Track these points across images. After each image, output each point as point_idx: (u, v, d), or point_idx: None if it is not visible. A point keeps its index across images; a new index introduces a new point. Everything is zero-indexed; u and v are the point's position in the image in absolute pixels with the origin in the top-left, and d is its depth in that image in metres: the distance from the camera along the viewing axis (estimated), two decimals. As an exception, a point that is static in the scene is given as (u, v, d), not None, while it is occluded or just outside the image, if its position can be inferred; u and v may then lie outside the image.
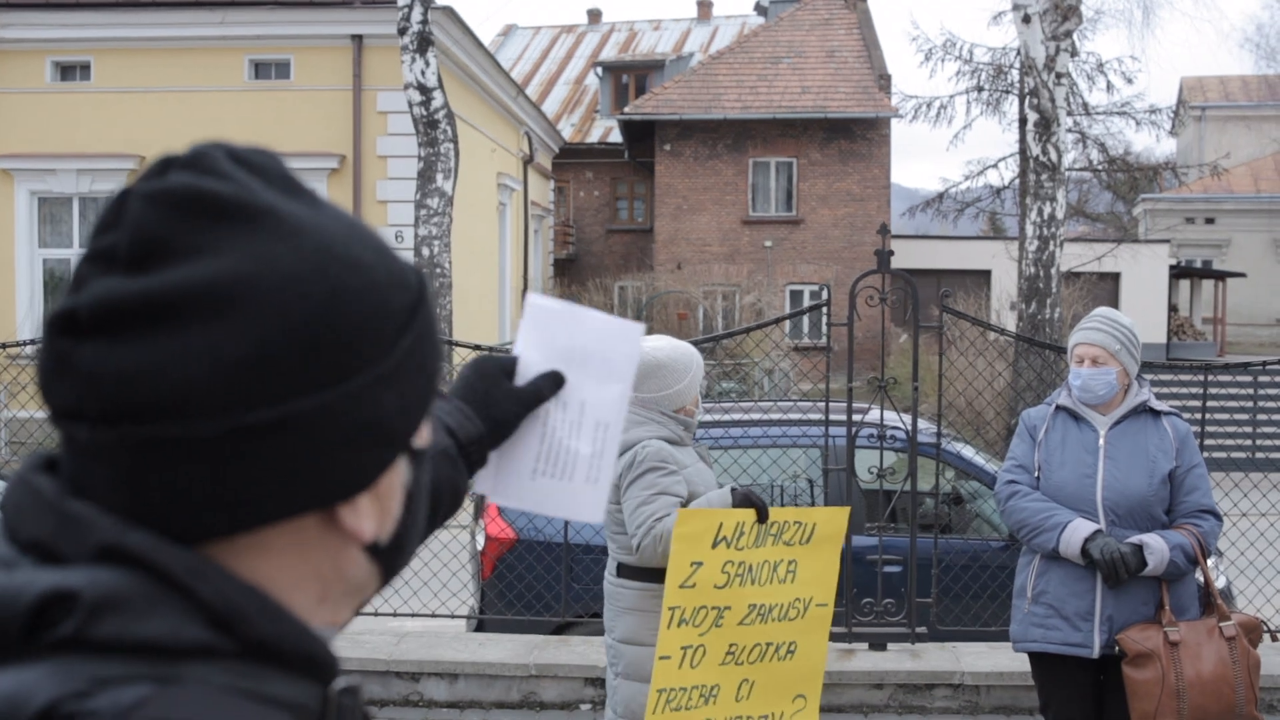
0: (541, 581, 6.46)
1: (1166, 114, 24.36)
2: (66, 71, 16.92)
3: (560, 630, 6.49)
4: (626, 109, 27.62)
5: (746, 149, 26.61)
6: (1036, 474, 4.16)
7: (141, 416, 0.72)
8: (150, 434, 0.72)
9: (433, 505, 1.23)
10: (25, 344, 7.64)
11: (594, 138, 31.98)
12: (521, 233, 25.32)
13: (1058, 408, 4.18)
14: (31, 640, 0.70)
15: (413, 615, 6.81)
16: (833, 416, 6.39)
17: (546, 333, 1.32)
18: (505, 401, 1.28)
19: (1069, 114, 19.40)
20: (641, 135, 27.72)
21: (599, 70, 33.56)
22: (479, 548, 6.57)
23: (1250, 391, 12.51)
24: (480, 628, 6.69)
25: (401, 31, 13.05)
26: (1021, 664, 5.21)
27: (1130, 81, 24.99)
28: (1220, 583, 5.66)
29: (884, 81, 26.61)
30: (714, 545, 3.39)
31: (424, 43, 13.01)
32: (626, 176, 31.42)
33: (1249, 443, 12.09)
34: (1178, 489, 4.04)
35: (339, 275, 0.76)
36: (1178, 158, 40.05)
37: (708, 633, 3.41)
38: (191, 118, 15.97)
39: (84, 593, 0.70)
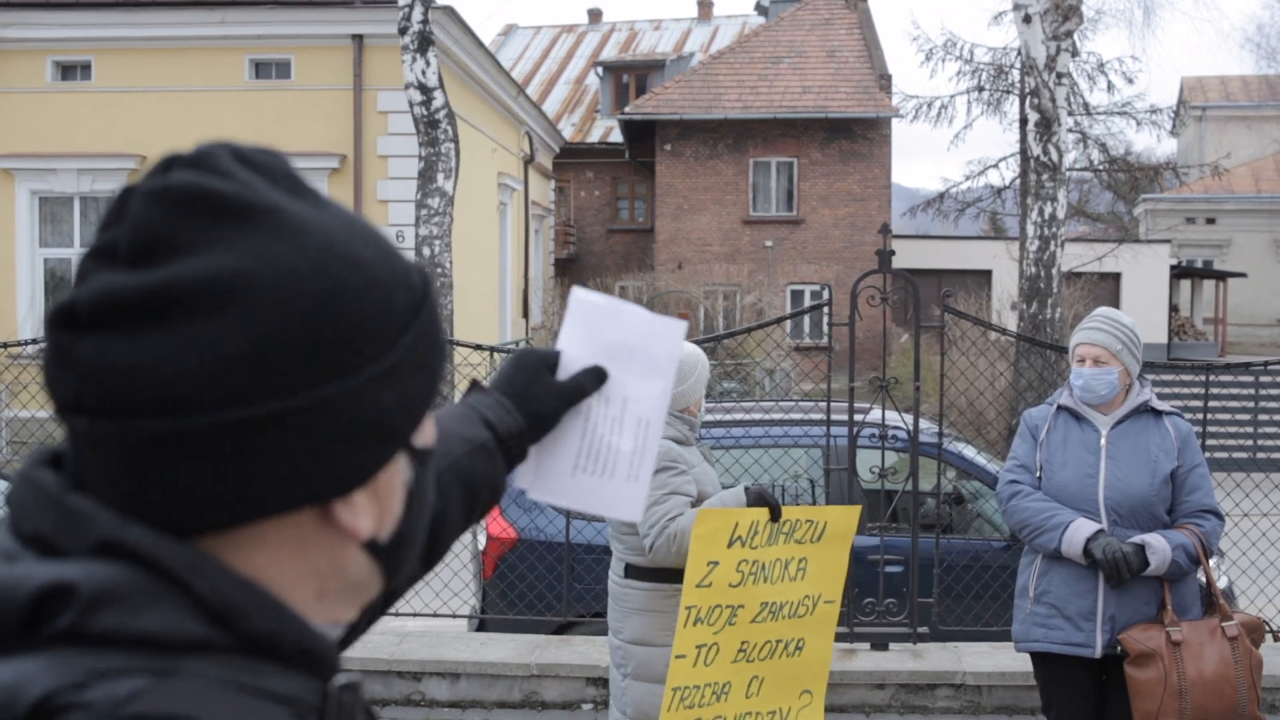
0: (543, 581, 6.46)
1: (1167, 114, 24.34)
2: (67, 71, 16.92)
3: (562, 630, 6.49)
4: (627, 109, 27.62)
5: (747, 149, 26.62)
6: (1038, 474, 4.16)
7: (139, 410, 0.72)
8: (147, 427, 0.72)
9: (470, 499, 1.24)
10: (26, 343, 7.63)
11: (595, 137, 31.98)
12: (522, 232, 25.32)
13: (1059, 408, 4.18)
14: (31, 632, 0.71)
15: (414, 615, 6.81)
16: (834, 416, 6.38)
17: (590, 328, 1.31)
18: (546, 396, 1.27)
19: (1070, 114, 19.41)
20: (642, 135, 27.73)
21: (599, 70, 33.56)
22: (480, 547, 6.57)
23: (1251, 392, 12.50)
24: (482, 627, 6.69)
25: (402, 31, 13.04)
26: (1023, 664, 5.20)
27: (1131, 81, 24.95)
28: (1222, 583, 5.66)
29: (885, 81, 26.61)
30: (729, 545, 3.41)
31: (425, 42, 13.00)
32: (627, 176, 31.42)
33: (1250, 443, 12.08)
34: (1179, 489, 4.04)
35: (340, 273, 0.77)
36: (1178, 158, 40.05)
37: (721, 631, 3.43)
38: (192, 117, 15.98)
39: (81, 586, 0.71)
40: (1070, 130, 21.11)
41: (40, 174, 16.62)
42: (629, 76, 32.96)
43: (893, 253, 6.42)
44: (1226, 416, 11.09)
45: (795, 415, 7.04)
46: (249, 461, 0.74)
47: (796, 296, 26.44)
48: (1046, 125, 12.97)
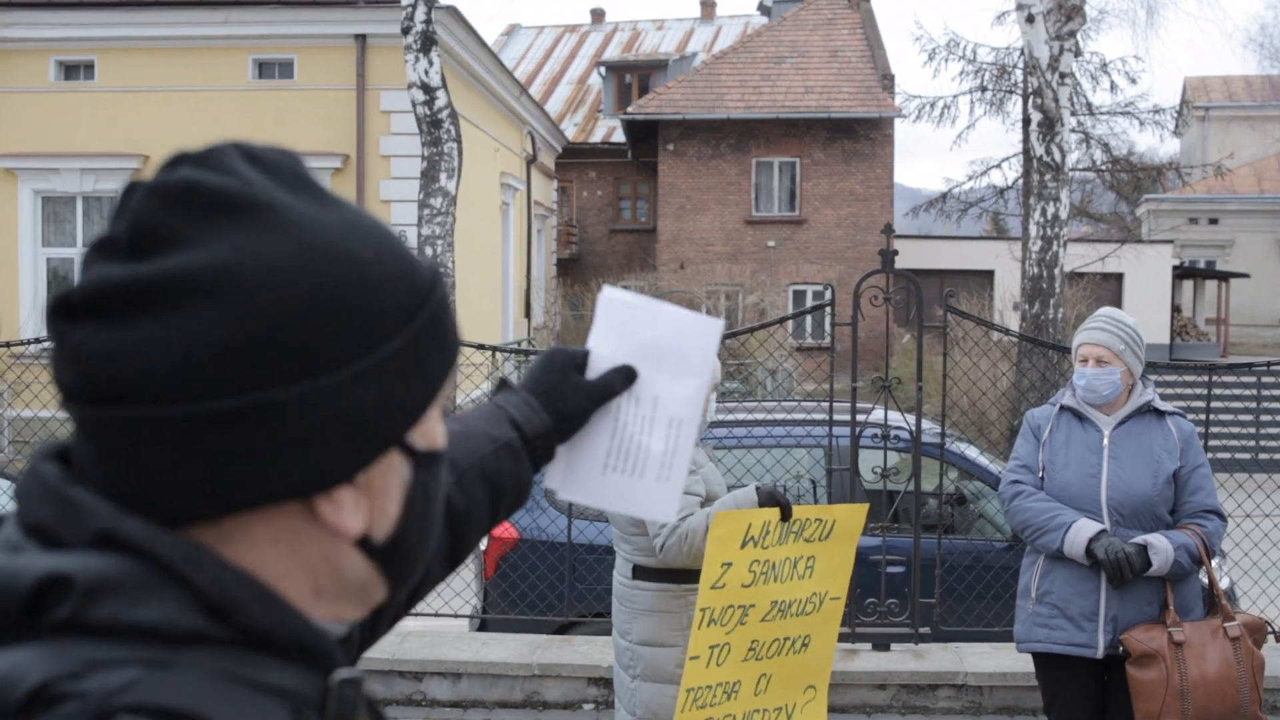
0: (545, 581, 6.46)
1: (1170, 114, 24.31)
2: (70, 71, 16.93)
3: (563, 630, 6.49)
4: (630, 109, 27.62)
5: (750, 149, 26.61)
6: (1041, 474, 4.16)
7: (121, 397, 0.74)
8: (128, 414, 0.74)
9: (495, 498, 1.23)
10: (29, 343, 7.63)
11: (597, 137, 31.97)
12: (525, 232, 25.32)
13: (1062, 408, 4.18)
14: (32, 622, 0.72)
15: (416, 614, 6.81)
16: (836, 416, 6.38)
17: (621, 327, 1.29)
18: (574, 395, 1.27)
19: (1073, 114, 19.38)
20: (645, 135, 27.73)
21: (602, 70, 33.56)
22: (482, 547, 6.57)
23: (1254, 392, 12.50)
24: (483, 627, 6.69)
25: (405, 31, 13.04)
26: (1025, 664, 5.20)
27: (1134, 81, 24.96)
28: (1224, 583, 5.65)
29: (887, 81, 26.60)
30: (742, 545, 3.42)
31: (428, 42, 13.01)
32: (629, 176, 31.42)
33: (1252, 443, 12.08)
34: (1182, 489, 4.04)
35: (325, 270, 0.77)
36: (1181, 158, 40.01)
37: (733, 630, 3.44)
38: (195, 117, 15.98)
39: (79, 577, 0.72)
40: (1073, 130, 21.08)
41: (43, 173, 16.63)
42: (632, 76, 32.95)
43: (896, 252, 6.42)
44: (1229, 417, 11.08)
45: (798, 415, 7.04)
46: (226, 453, 0.75)
47: (799, 297, 26.43)
48: (1049, 125, 12.96)
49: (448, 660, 6.11)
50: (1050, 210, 13.02)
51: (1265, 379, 11.98)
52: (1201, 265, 34.86)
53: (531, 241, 26.05)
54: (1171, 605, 3.95)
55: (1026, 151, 14.12)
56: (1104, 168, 24.85)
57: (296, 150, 0.84)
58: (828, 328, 6.96)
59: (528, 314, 25.64)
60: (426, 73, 12.91)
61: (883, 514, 6.35)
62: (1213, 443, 6.73)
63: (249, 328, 0.74)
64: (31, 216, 16.72)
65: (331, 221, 0.80)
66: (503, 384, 1.32)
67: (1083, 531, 3.95)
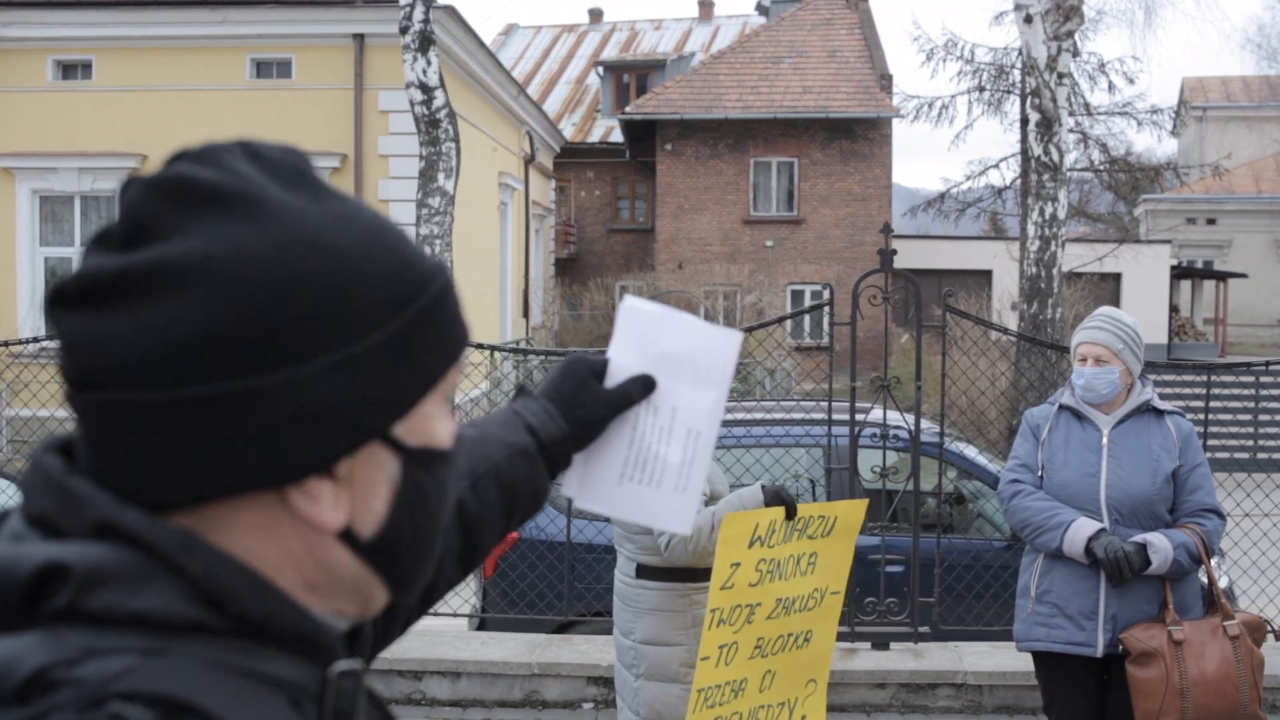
0: (544, 580, 6.46)
1: (1168, 114, 24.33)
2: (68, 70, 16.92)
3: (563, 629, 6.49)
4: (628, 108, 27.62)
5: (748, 149, 26.62)
6: (1040, 473, 4.16)
7: (104, 382, 0.75)
8: (110, 400, 0.76)
9: (510, 503, 1.24)
10: (26, 342, 7.63)
11: (595, 137, 31.97)
12: (523, 232, 25.32)
13: (1061, 407, 4.18)
14: (32, 610, 0.73)
15: (415, 614, 6.80)
16: (835, 416, 6.38)
17: (641, 337, 1.29)
18: (592, 403, 1.27)
19: (1071, 114, 19.40)
20: (643, 135, 27.73)
21: (600, 70, 33.56)
22: (481, 546, 6.56)
23: (1252, 392, 12.51)
24: (482, 626, 6.69)
25: (403, 30, 13.04)
26: (1024, 664, 5.20)
27: (1132, 82, 24.94)
28: (1223, 583, 5.65)
29: (885, 81, 26.61)
30: (750, 545, 3.44)
31: (426, 42, 13.00)
32: (628, 176, 31.42)
33: (1251, 443, 12.09)
34: (1181, 488, 4.04)
35: (302, 261, 0.77)
36: (1179, 158, 40.04)
37: (740, 630, 3.46)
38: (193, 117, 15.97)
39: (76, 566, 0.73)
40: (1071, 130, 21.10)
41: (41, 173, 16.61)
42: (630, 76, 32.96)
43: (894, 252, 6.42)
44: (1227, 417, 11.09)
45: (796, 415, 7.04)
46: (198, 440, 0.76)
47: (797, 296, 26.44)
48: (1047, 125, 12.97)
49: (447, 659, 6.11)
50: (1048, 210, 13.02)
51: (1264, 379, 11.99)
52: (1199, 265, 34.90)
53: (530, 241, 26.05)
54: (1171, 604, 3.96)
55: (1024, 151, 14.14)
56: (1102, 168, 24.88)
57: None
58: (826, 327, 6.96)
59: (526, 314, 25.64)
60: (424, 72, 12.90)
61: (882, 513, 6.35)
62: (1211, 442, 6.73)
63: (223, 316, 0.75)
64: (29, 216, 16.70)
65: (321, 215, 0.80)
66: (521, 391, 1.33)
67: (1082, 530, 3.95)
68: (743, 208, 26.72)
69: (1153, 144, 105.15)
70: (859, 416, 6.31)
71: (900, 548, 6.37)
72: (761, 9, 36.06)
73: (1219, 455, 7.84)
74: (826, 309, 6.63)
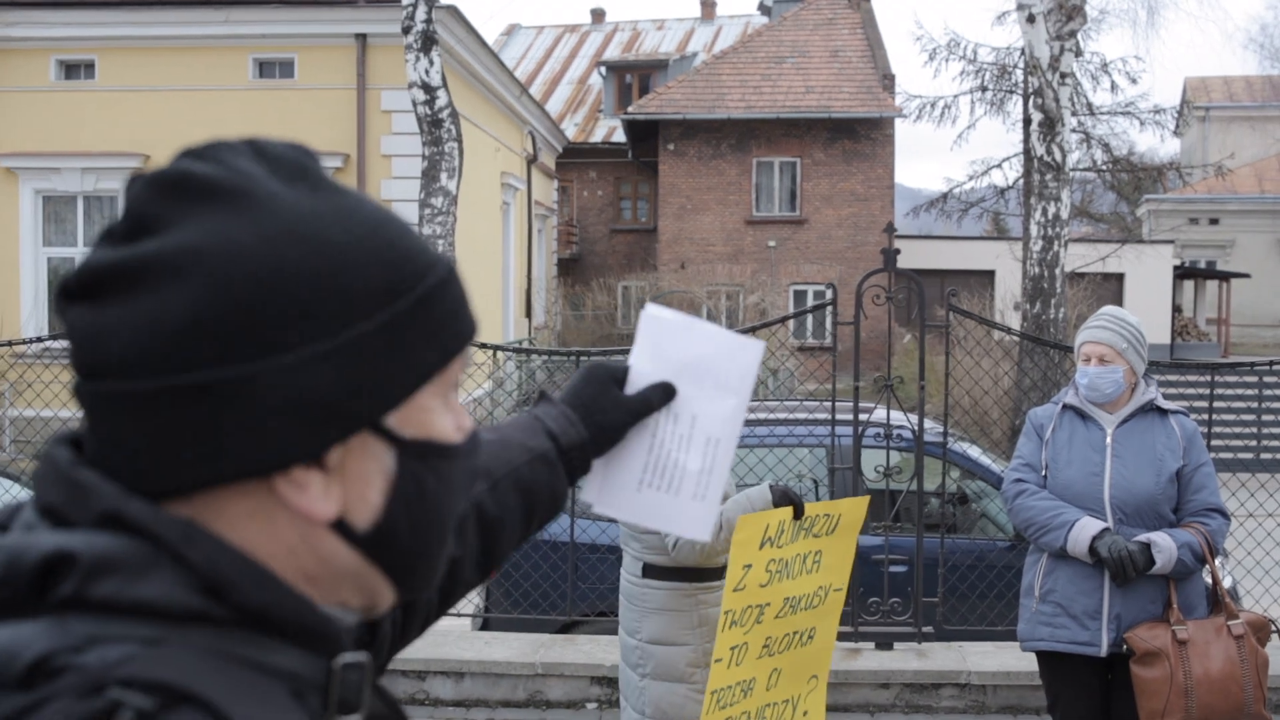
0: (548, 580, 6.46)
1: (1171, 114, 24.30)
2: (71, 70, 16.93)
3: (566, 629, 6.49)
4: (630, 108, 27.62)
5: (750, 149, 26.62)
6: (1044, 473, 4.16)
7: (101, 372, 0.78)
8: (105, 389, 0.78)
9: (529, 508, 1.25)
10: (30, 342, 7.63)
11: (597, 137, 31.97)
12: (525, 232, 25.32)
13: (1065, 406, 4.18)
14: (40, 598, 0.74)
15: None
16: (839, 416, 6.38)
17: (661, 344, 1.30)
18: (612, 409, 1.28)
19: (1073, 114, 19.38)
20: (645, 135, 27.73)
21: (602, 70, 33.57)
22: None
23: (1255, 392, 12.51)
24: (486, 626, 6.69)
25: (406, 30, 13.04)
26: (1028, 664, 5.20)
27: (1134, 82, 24.99)
28: (1226, 583, 5.65)
29: (888, 81, 26.60)
30: (761, 546, 3.44)
31: (428, 42, 13.01)
32: (630, 176, 31.42)
33: (1254, 443, 12.09)
34: (1185, 487, 4.04)
35: (288, 252, 0.78)
36: (1182, 158, 40.00)
37: (750, 630, 3.47)
38: (195, 117, 15.97)
39: (82, 555, 0.75)
40: (1074, 130, 21.09)
41: (44, 173, 16.63)
42: (632, 76, 32.96)
43: (898, 251, 6.42)
44: (1231, 417, 11.09)
45: (800, 415, 7.04)
46: (184, 428, 0.77)
47: (799, 296, 26.43)
48: (1050, 125, 12.96)
49: (451, 659, 6.11)
50: (1051, 210, 13.02)
51: (1267, 379, 11.99)
52: (1202, 265, 34.84)
53: (532, 241, 26.05)
54: (1175, 603, 3.95)
55: (1027, 151, 14.12)
56: (1105, 168, 24.85)
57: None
58: (829, 327, 6.96)
59: (528, 314, 25.64)
60: (427, 72, 12.90)
61: (885, 514, 6.35)
62: (1215, 442, 6.73)
63: (209, 307, 0.76)
64: (32, 216, 16.71)
65: (316, 208, 0.81)
66: (542, 396, 1.34)
67: (1086, 530, 3.95)
68: (745, 208, 26.71)
69: (1155, 144, 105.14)
70: (862, 416, 6.31)
71: (904, 548, 6.37)
72: (764, 9, 36.05)
73: (1222, 455, 7.85)
74: (829, 309, 6.63)
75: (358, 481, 0.83)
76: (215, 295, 0.76)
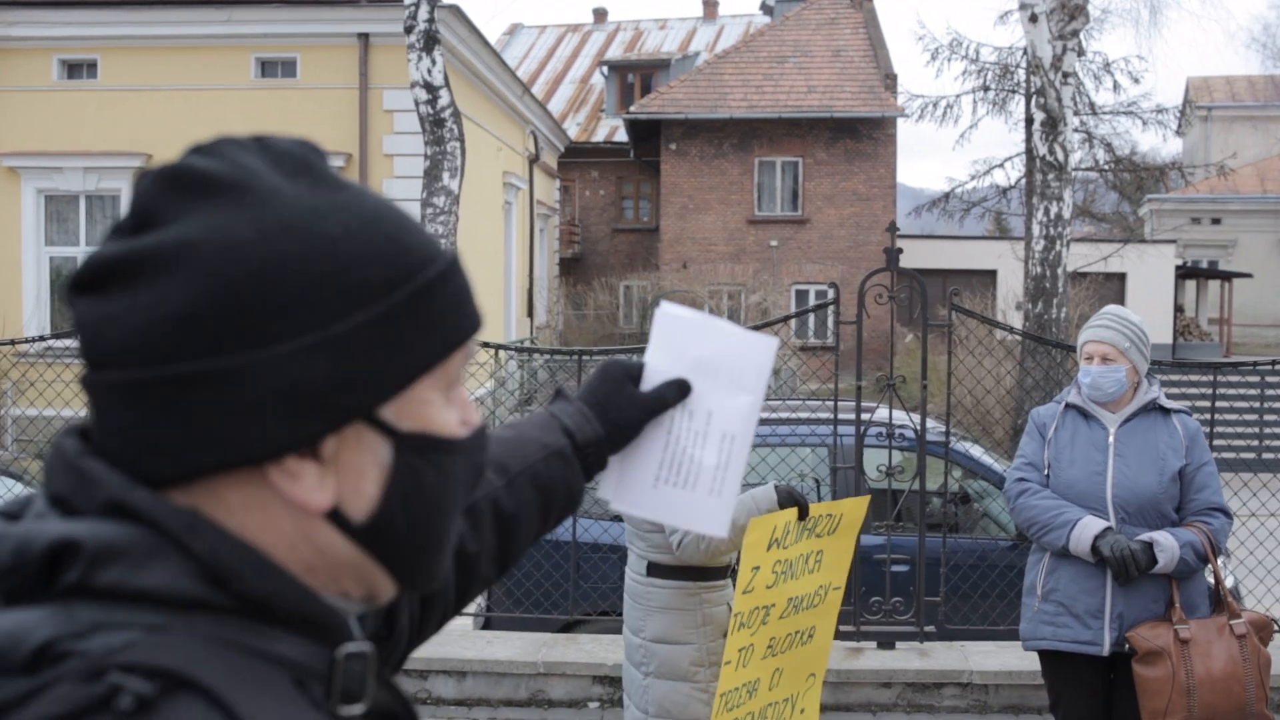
0: (550, 579, 6.46)
1: (1173, 114, 24.28)
2: (73, 69, 16.93)
3: (568, 628, 6.49)
4: (632, 108, 27.61)
5: (752, 148, 26.61)
6: (1046, 472, 4.16)
7: (103, 362, 0.79)
8: (106, 379, 0.79)
9: (545, 504, 1.26)
10: (32, 341, 7.64)
11: (599, 137, 31.96)
12: (527, 231, 25.32)
13: (1067, 405, 4.18)
14: (48, 585, 0.76)
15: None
16: (841, 415, 6.38)
17: (676, 342, 1.31)
18: (628, 406, 1.29)
19: (1075, 114, 19.38)
20: (647, 134, 27.72)
21: (604, 69, 33.56)
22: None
23: (1257, 391, 12.50)
24: (488, 625, 6.69)
25: (408, 30, 13.04)
26: (1030, 663, 5.20)
27: (1137, 81, 25.00)
28: (1229, 582, 5.65)
29: (890, 81, 26.59)
30: (768, 548, 3.45)
31: (430, 41, 13.01)
32: (632, 176, 31.41)
33: (1256, 443, 12.09)
34: (1188, 486, 4.04)
35: (283, 244, 0.79)
36: (1184, 158, 39.96)
37: (756, 631, 3.48)
38: (198, 116, 15.98)
39: (87, 543, 0.76)
40: (1076, 130, 21.08)
41: (46, 172, 16.63)
42: (634, 76, 32.95)
43: (900, 251, 6.42)
44: (1233, 416, 11.09)
45: (802, 414, 7.04)
46: (179, 417, 0.78)
47: (801, 296, 26.43)
48: (1052, 125, 12.96)
49: (453, 658, 6.11)
50: (1053, 210, 13.01)
51: (1269, 378, 11.99)
52: (1204, 265, 34.80)
53: (534, 240, 26.05)
54: (1177, 603, 3.95)
55: (1029, 151, 14.11)
56: (1107, 167, 24.85)
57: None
58: (831, 327, 6.96)
59: (530, 313, 25.64)
60: (429, 72, 12.91)
61: (887, 513, 6.35)
62: (1217, 442, 6.73)
63: (204, 297, 0.77)
64: (34, 215, 16.72)
65: (315, 202, 0.82)
66: (558, 393, 1.35)
67: (1088, 529, 3.95)
68: (747, 207, 26.71)
69: (1158, 144, 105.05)
70: (864, 416, 6.31)
71: (906, 547, 6.37)
72: (766, 8, 36.04)
73: (1224, 455, 7.83)
74: (831, 308, 6.63)
75: (352, 473, 0.84)
76: (210, 287, 0.77)
